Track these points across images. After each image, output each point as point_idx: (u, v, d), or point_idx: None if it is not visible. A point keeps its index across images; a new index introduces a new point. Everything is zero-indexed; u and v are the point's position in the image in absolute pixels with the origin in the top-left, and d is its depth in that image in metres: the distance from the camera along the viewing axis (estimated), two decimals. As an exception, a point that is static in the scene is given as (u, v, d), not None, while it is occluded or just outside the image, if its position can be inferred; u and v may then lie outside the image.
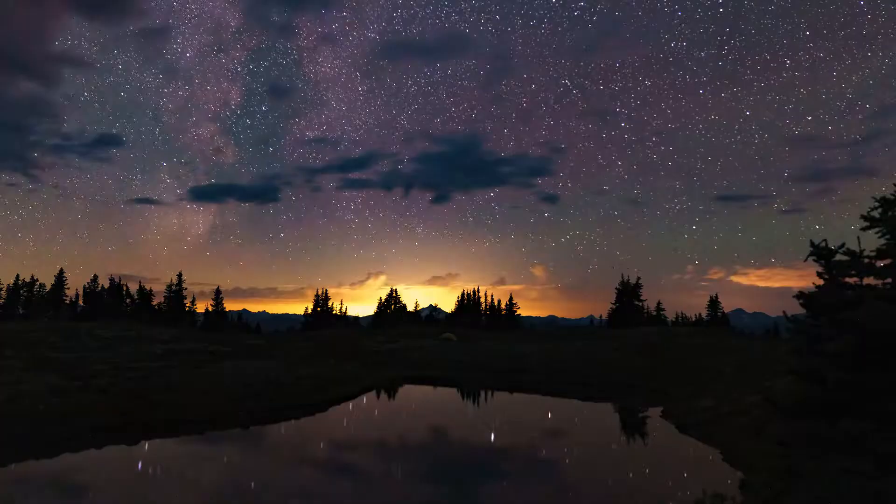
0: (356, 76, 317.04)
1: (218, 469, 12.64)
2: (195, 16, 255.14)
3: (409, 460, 13.75)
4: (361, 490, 11.11)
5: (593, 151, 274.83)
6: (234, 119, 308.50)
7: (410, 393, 26.30)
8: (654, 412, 20.46)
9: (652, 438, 16.66)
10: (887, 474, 5.21)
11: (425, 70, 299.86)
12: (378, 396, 24.33)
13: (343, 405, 21.37)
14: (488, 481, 11.96)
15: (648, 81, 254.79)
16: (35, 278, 63.35)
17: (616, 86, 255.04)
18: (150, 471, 12.23)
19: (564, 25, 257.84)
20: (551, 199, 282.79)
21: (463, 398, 25.38)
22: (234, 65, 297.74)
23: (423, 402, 24.43)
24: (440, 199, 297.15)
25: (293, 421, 18.22)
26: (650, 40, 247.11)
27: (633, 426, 19.15)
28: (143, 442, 14.77)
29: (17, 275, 64.96)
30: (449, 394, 26.45)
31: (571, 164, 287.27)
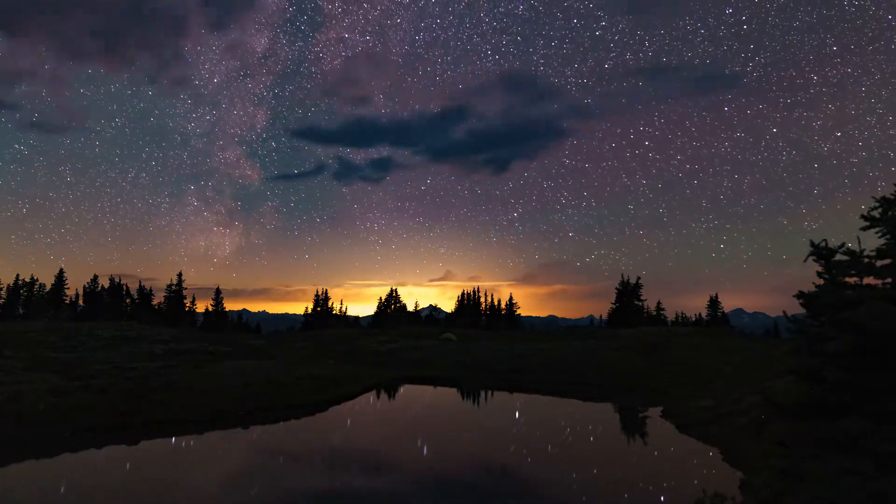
0: (379, 98, 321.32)
1: (218, 469, 12.63)
2: (222, 42, 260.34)
3: (409, 460, 13.74)
4: (361, 490, 11.10)
5: (616, 170, 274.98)
6: (260, 142, 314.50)
7: (410, 393, 26.30)
8: (654, 412, 20.46)
9: (652, 438, 16.65)
10: (887, 474, 5.20)
11: (448, 92, 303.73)
12: (378, 396, 24.33)
13: (343, 405, 21.37)
14: (489, 482, 11.95)
15: (672, 100, 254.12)
16: (35, 278, 63.41)
17: (638, 104, 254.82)
18: (151, 471, 12.22)
19: (586, 45, 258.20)
20: (578, 219, 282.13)
21: (463, 398, 25.38)
22: (259, 89, 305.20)
23: (423, 402, 24.43)
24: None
25: (293, 421, 18.22)
26: (672, 58, 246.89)
27: (633, 426, 19.15)
28: (143, 442, 14.77)
29: (17, 275, 65.02)
30: (449, 394, 26.44)
31: (595, 184, 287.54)
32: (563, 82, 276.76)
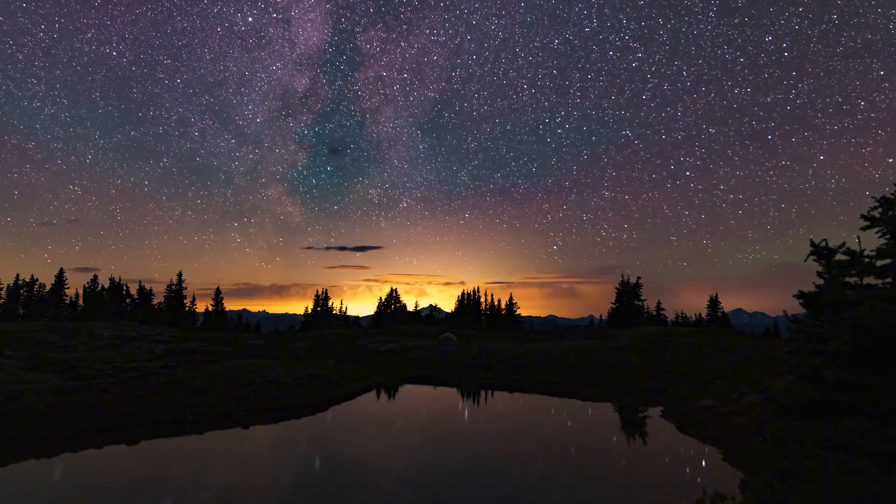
0: (417, 134, 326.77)
1: (218, 469, 12.62)
2: (265, 83, 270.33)
3: (409, 460, 13.75)
4: (361, 490, 11.10)
5: (658, 201, 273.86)
6: (301, 179, 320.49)
7: (410, 393, 26.30)
8: (654, 412, 20.47)
9: (652, 438, 16.65)
10: (887, 474, 5.20)
11: (484, 126, 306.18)
12: (378, 396, 24.34)
13: (343, 405, 21.37)
14: (488, 482, 11.95)
15: (713, 129, 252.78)
16: (35, 278, 63.40)
17: (679, 135, 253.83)
18: (151, 471, 12.22)
19: (623, 77, 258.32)
20: (619, 252, 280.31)
21: (463, 398, 25.38)
22: (300, 127, 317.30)
23: (422, 402, 24.42)
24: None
25: (293, 421, 18.22)
26: (712, 87, 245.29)
27: (633, 426, 19.15)
28: (143, 442, 14.77)
29: (17, 274, 65.06)
30: (449, 394, 26.44)
31: (636, 215, 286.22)
32: (600, 114, 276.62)
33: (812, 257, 6.94)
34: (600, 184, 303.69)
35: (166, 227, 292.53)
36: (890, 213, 6.44)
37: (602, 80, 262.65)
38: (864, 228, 6.67)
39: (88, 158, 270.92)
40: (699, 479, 11.62)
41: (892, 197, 6.51)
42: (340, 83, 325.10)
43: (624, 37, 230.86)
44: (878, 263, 6.40)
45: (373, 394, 24.70)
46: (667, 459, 14.05)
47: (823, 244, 6.89)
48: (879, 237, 6.53)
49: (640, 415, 20.91)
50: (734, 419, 16.13)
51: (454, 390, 27.20)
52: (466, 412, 21.83)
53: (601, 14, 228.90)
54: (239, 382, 21.43)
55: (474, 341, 41.53)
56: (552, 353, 33.85)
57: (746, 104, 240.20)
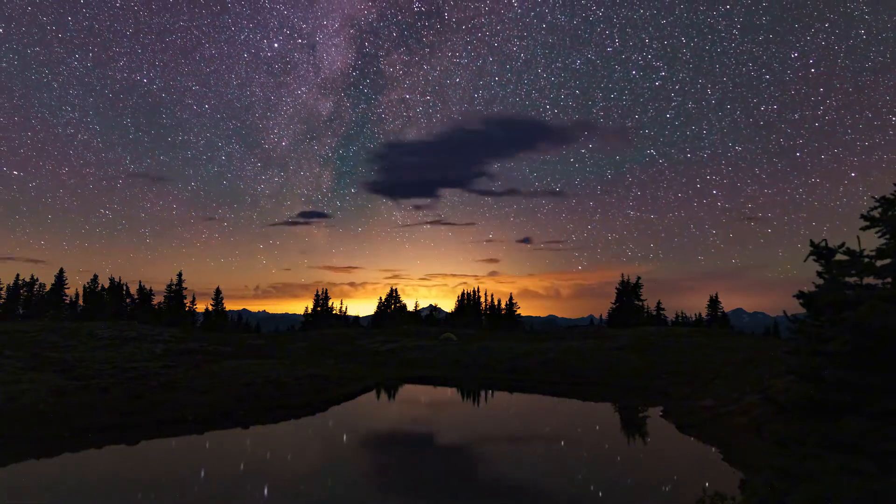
0: (440, 155, 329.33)
1: (218, 469, 12.62)
2: (290, 108, 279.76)
3: (409, 460, 13.75)
4: (361, 490, 11.11)
5: (684, 220, 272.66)
6: (325, 201, 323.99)
7: (410, 393, 26.30)
8: (654, 412, 20.47)
9: (652, 438, 16.65)
10: (887, 474, 5.20)
11: (508, 147, 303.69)
12: (378, 396, 24.34)
13: (343, 405, 21.38)
14: (488, 482, 11.95)
15: (739, 147, 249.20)
16: (35, 278, 63.39)
17: (704, 153, 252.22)
18: (151, 471, 12.22)
19: (646, 96, 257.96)
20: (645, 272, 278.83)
21: (463, 398, 25.38)
22: (325, 150, 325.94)
23: (422, 402, 24.43)
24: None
25: (293, 421, 18.23)
26: (737, 105, 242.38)
27: (634, 426, 19.15)
28: (142, 442, 14.78)
29: (17, 274, 65.10)
30: (449, 394, 26.45)
31: (662, 235, 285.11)
32: (623, 134, 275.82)
33: (812, 257, 6.94)
34: (625, 203, 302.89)
35: (195, 249, 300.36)
36: (890, 213, 6.44)
37: (625, 100, 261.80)
38: (863, 228, 6.67)
39: (119, 183, 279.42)
40: (699, 479, 11.62)
41: (892, 197, 6.51)
42: (364, 106, 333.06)
43: (647, 56, 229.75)
44: (878, 263, 6.40)
45: (373, 394, 24.70)
46: (667, 459, 14.05)
47: (823, 244, 6.89)
48: (879, 237, 6.53)
49: (640, 415, 20.91)
50: (734, 419, 16.13)
51: (454, 390, 27.20)
52: (466, 412, 21.83)
53: (623, 34, 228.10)
54: (239, 382, 21.43)
55: (474, 341, 41.53)
56: (552, 353, 33.85)
57: (773, 121, 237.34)
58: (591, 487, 11.47)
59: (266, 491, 10.69)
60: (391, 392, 25.74)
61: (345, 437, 16.24)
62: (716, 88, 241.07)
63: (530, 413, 21.56)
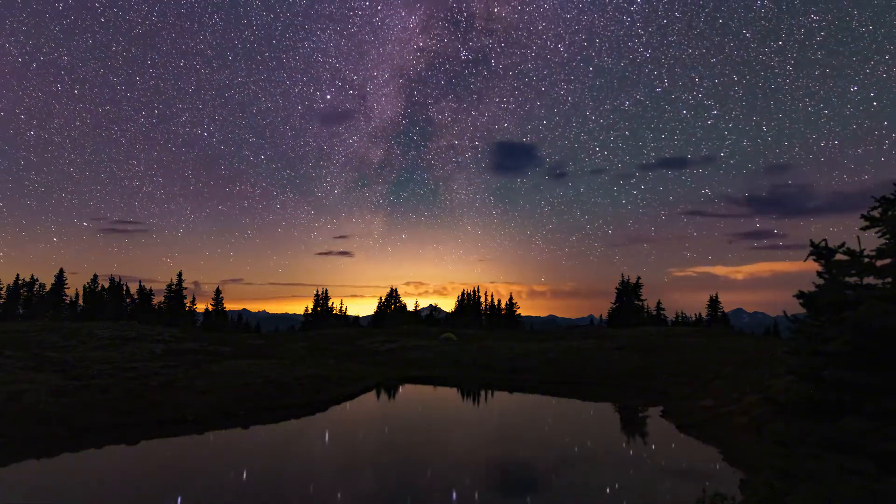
0: (490, 200, 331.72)
1: (218, 469, 12.62)
2: (342, 156, 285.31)
3: (409, 460, 13.74)
4: (361, 490, 11.10)
5: (741, 260, 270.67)
6: (377, 248, 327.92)
7: (410, 393, 26.29)
8: (654, 412, 20.46)
9: (652, 438, 16.65)
10: (887, 474, 5.20)
11: (558, 190, 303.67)
12: (378, 396, 24.34)
13: (343, 405, 21.38)
14: (488, 481, 11.95)
15: (792, 182, 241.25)
16: (35, 278, 63.39)
17: (762, 192, 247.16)
18: (151, 471, 12.22)
19: (698, 136, 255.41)
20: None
21: (463, 398, 25.37)
22: (376, 197, 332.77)
23: (422, 402, 24.42)
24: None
25: (293, 421, 18.22)
26: (795, 141, 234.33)
27: (633, 426, 19.14)
28: (142, 442, 14.78)
29: (17, 274, 65.04)
30: (449, 394, 26.44)
31: (721, 276, 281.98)
32: (676, 174, 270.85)
33: (812, 257, 6.94)
34: (681, 244, 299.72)
35: (253, 296, 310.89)
36: (890, 213, 6.44)
37: (677, 139, 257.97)
38: (864, 228, 6.67)
39: (180, 232, 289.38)
40: (699, 479, 11.62)
41: (891, 197, 6.51)
42: (414, 153, 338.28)
43: (697, 95, 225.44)
44: (878, 263, 6.39)
45: (373, 394, 24.70)
46: (667, 459, 14.05)
47: (823, 244, 6.89)
48: (879, 237, 6.53)
49: (640, 415, 20.90)
50: (734, 419, 16.13)
51: (454, 390, 27.19)
52: (466, 412, 21.83)
53: (672, 74, 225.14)
54: (239, 382, 21.42)
55: (474, 341, 41.52)
56: (552, 353, 33.85)
57: (835, 157, 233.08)
58: (591, 487, 11.47)
59: (266, 491, 10.69)
60: (391, 392, 25.73)
61: (345, 437, 16.24)
62: (771, 126, 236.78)
63: (530, 413, 21.55)
